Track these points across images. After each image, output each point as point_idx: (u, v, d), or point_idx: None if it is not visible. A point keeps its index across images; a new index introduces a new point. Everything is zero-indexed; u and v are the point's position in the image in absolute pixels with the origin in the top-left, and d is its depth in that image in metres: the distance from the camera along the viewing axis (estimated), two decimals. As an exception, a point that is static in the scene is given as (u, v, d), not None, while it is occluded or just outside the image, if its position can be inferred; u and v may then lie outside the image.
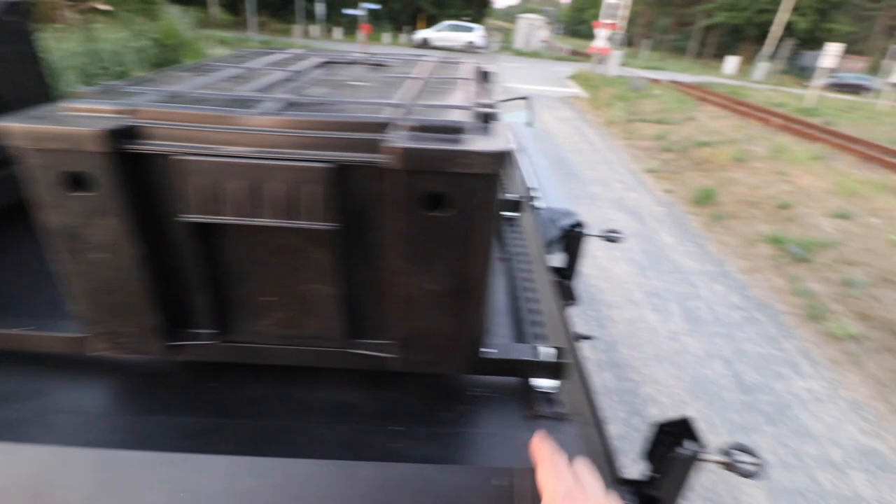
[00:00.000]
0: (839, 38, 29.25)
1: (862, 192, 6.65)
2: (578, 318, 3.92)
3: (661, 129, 10.49)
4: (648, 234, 5.59)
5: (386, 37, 26.79)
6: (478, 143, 0.37)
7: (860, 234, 5.40)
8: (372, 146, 0.38)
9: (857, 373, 3.52)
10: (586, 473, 0.45)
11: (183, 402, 0.49)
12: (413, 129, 0.39)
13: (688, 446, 0.65)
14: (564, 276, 1.19)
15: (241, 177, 0.39)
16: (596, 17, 19.42)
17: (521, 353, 0.53)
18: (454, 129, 0.39)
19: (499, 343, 0.54)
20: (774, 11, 28.23)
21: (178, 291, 0.46)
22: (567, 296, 1.19)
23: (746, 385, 3.32)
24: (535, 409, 0.45)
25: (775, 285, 4.65)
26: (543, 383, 0.53)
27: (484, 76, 0.72)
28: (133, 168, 0.39)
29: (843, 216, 5.82)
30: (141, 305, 0.45)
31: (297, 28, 21.41)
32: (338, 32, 25.21)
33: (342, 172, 0.40)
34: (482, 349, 0.50)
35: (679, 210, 6.43)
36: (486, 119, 0.44)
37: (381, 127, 0.39)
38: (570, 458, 0.45)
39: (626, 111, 11.95)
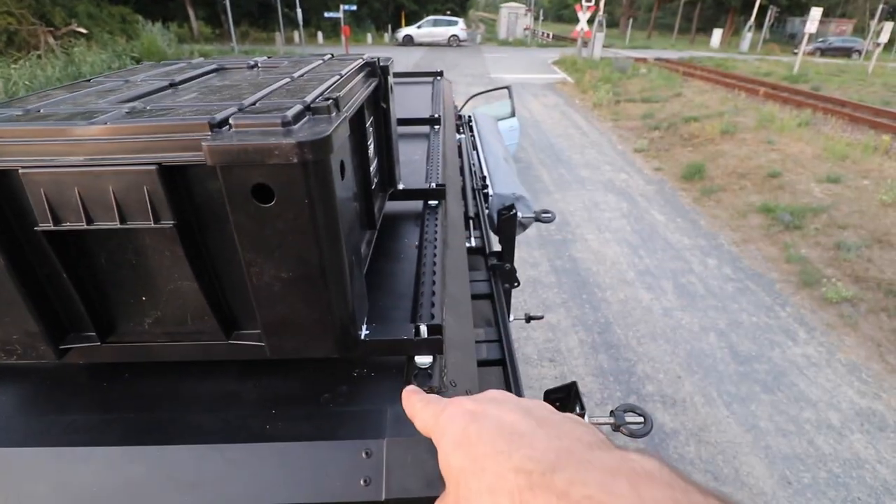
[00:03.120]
0: (824, 2, 29.01)
1: (851, 155, 6.62)
2: (572, 301, 3.92)
3: (647, 107, 10.46)
4: (639, 214, 5.58)
5: (369, 37, 26.71)
6: (292, 135, 0.39)
7: (851, 196, 5.38)
8: (196, 146, 0.41)
9: (853, 335, 3.51)
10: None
11: (73, 402, 0.52)
12: (237, 126, 0.42)
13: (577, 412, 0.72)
14: (502, 260, 1.20)
15: (79, 185, 0.43)
16: (578, 0, 19.33)
17: (398, 332, 0.55)
18: (273, 124, 0.41)
19: (378, 325, 0.56)
20: (756, -19, 28.01)
21: (58, 297, 0.50)
22: (506, 279, 1.20)
23: (742, 356, 3.32)
24: (411, 384, 0.47)
25: (768, 254, 4.64)
26: (424, 360, 0.55)
27: (374, 70, 0.74)
28: None
29: (833, 180, 5.80)
30: (19, 313, 0.48)
31: (278, 36, 21.34)
32: (320, 37, 25.15)
33: (171, 172, 0.43)
34: (360, 331, 0.53)
35: (669, 187, 6.42)
36: (328, 110, 0.46)
37: (205, 127, 0.42)
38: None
39: (612, 93, 11.90)
